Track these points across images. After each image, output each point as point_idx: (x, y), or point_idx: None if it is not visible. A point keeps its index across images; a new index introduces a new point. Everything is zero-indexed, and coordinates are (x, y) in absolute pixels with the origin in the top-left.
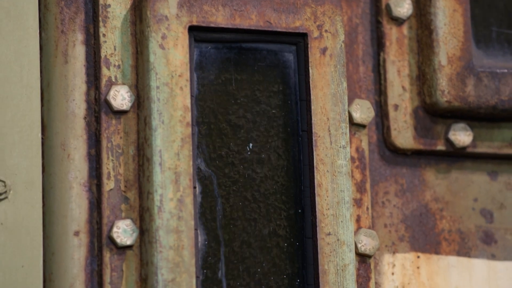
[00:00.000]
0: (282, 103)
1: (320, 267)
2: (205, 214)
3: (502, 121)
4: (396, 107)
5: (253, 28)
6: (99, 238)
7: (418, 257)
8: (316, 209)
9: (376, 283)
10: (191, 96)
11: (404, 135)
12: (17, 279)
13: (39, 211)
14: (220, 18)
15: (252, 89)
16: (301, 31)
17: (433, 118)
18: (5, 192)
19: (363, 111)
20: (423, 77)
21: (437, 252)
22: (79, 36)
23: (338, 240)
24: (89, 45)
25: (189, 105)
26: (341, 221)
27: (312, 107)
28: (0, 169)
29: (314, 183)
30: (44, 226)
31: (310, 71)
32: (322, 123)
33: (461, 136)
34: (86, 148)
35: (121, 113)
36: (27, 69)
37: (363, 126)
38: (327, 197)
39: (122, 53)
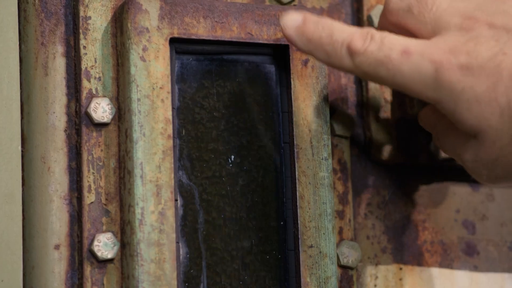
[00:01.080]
0: (264, 115)
1: (302, 280)
2: (187, 227)
3: None
4: (378, 118)
5: (234, 40)
6: (79, 251)
7: (401, 268)
8: (298, 221)
9: None
10: (173, 108)
11: (386, 146)
12: None
13: (19, 224)
14: (201, 30)
15: (234, 101)
16: (283, 43)
17: (415, 130)
18: None
19: (345, 123)
20: None
21: (419, 264)
22: (60, 48)
23: (320, 252)
24: (70, 57)
25: (170, 117)
26: (323, 233)
27: (294, 119)
28: None
29: (296, 195)
30: (24, 240)
31: (292, 82)
32: (304, 135)
33: None
34: (67, 161)
35: (102, 125)
36: (6, 82)
37: (345, 137)
38: (309, 209)
39: (103, 65)
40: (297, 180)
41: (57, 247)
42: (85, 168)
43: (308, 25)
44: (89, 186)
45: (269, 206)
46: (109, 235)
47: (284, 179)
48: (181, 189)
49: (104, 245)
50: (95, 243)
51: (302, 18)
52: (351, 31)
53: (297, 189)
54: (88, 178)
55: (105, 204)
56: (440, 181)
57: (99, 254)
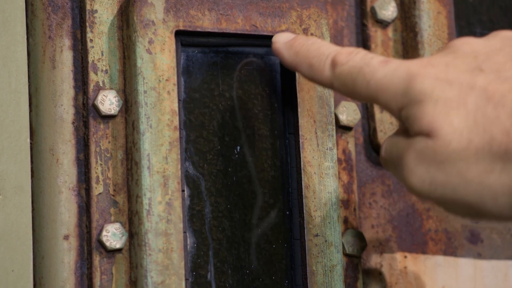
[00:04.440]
0: (269, 106)
1: (308, 268)
2: (194, 217)
3: None
4: (382, 109)
5: (239, 32)
6: (88, 241)
7: (405, 257)
8: (304, 211)
9: (364, 283)
10: (179, 100)
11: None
12: (8, 284)
13: (28, 216)
14: (206, 22)
15: (239, 93)
16: None
17: None
18: None
19: (349, 113)
20: None
21: (424, 252)
22: (67, 42)
23: (326, 241)
24: (77, 50)
25: (176, 109)
26: (329, 223)
27: (299, 110)
28: None
29: (301, 185)
30: (34, 231)
31: (297, 74)
32: (309, 126)
33: None
34: (75, 153)
35: (109, 117)
36: (15, 75)
37: (349, 128)
38: (315, 199)
39: (109, 58)
40: (302, 170)
41: (66, 237)
42: (93, 160)
43: (298, 40)
44: (97, 177)
45: (275, 195)
46: (117, 225)
47: (290, 169)
48: (188, 180)
49: (113, 235)
50: (104, 233)
51: (294, 35)
52: (339, 48)
53: (303, 179)
54: (96, 169)
55: (113, 195)
56: None
57: (107, 244)
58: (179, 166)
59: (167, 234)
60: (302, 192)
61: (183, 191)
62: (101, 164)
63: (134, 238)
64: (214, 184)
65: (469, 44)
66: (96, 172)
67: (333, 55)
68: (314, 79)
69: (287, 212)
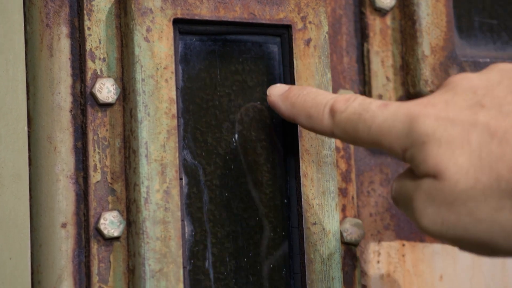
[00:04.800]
0: (267, 94)
1: (306, 256)
2: (192, 205)
3: None
4: (380, 97)
5: (237, 20)
6: (86, 230)
7: (404, 245)
8: (302, 199)
9: (361, 271)
10: (177, 88)
11: None
12: (5, 271)
13: (26, 204)
14: (204, 10)
15: (238, 81)
16: (285, 23)
17: None
18: None
19: None
20: (406, 67)
21: (422, 240)
22: (64, 30)
23: (324, 229)
24: (74, 38)
25: (174, 97)
26: (327, 211)
27: None
28: None
29: (299, 173)
30: (32, 219)
31: (295, 62)
32: None
33: None
34: (73, 141)
35: (106, 105)
36: (12, 63)
37: None
38: (313, 187)
39: (107, 46)
40: (300, 158)
41: (64, 225)
42: (90, 148)
43: (293, 91)
44: (95, 165)
45: (273, 184)
46: (115, 213)
47: (288, 158)
48: (186, 168)
49: (110, 223)
50: (102, 221)
51: (288, 87)
52: (335, 95)
53: (301, 167)
54: (94, 157)
55: (110, 183)
56: None
57: (105, 232)
58: (177, 154)
59: (165, 222)
60: (300, 180)
61: (181, 179)
62: (99, 152)
63: (132, 226)
64: (212, 172)
65: (467, 79)
66: (94, 160)
67: (330, 103)
68: (314, 129)
69: (285, 200)
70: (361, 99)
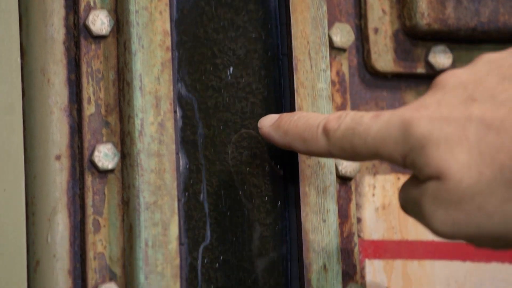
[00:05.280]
0: (262, 27)
1: (301, 189)
2: (186, 138)
3: (482, 42)
4: (376, 30)
5: None
6: (80, 162)
7: (399, 178)
8: None
9: (356, 204)
10: (171, 20)
11: (384, 58)
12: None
13: (20, 135)
14: None
15: (232, 14)
16: None
17: (413, 41)
18: None
19: (343, 35)
20: (403, 0)
21: None
22: None
23: (318, 163)
24: None
25: (168, 29)
26: None
27: (292, 31)
28: None
29: (294, 106)
30: (25, 150)
31: None
32: (302, 47)
33: (441, 58)
34: (66, 73)
35: (100, 38)
36: None
37: (343, 49)
38: None
39: None
40: (295, 92)
41: (58, 157)
42: (84, 80)
43: (284, 119)
44: (89, 98)
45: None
46: (109, 145)
47: (283, 91)
48: (181, 101)
49: (105, 155)
50: (96, 153)
51: (277, 116)
52: (327, 115)
53: (296, 100)
54: (88, 90)
55: (104, 116)
56: None
57: (99, 164)
58: (171, 87)
59: (160, 155)
60: None
61: (175, 112)
62: (92, 85)
63: (126, 158)
64: (207, 105)
65: (455, 76)
66: (87, 93)
67: (323, 124)
68: (311, 152)
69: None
70: (352, 114)
